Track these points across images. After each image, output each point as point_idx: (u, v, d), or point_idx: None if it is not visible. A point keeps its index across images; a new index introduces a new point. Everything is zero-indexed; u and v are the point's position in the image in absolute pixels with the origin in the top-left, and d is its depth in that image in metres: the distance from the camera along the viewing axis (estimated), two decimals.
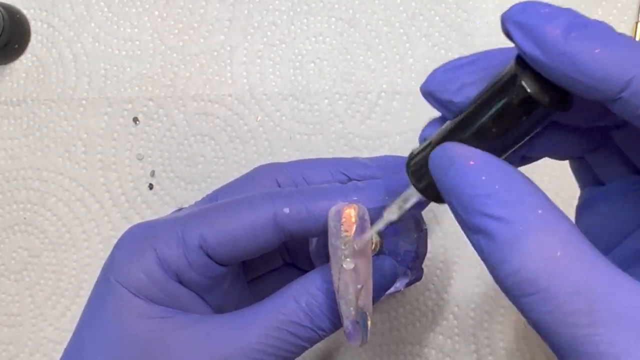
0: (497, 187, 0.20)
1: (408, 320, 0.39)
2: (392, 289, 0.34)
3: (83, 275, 0.41)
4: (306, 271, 0.36)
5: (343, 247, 0.27)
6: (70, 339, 0.30)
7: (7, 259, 0.41)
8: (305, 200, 0.29)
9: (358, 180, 0.31)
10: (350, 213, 0.27)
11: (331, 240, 0.28)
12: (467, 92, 0.23)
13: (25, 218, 0.41)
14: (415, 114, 0.40)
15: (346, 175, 0.33)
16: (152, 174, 0.41)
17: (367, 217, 0.28)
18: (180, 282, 0.29)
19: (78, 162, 0.41)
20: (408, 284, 0.36)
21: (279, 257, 0.36)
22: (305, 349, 0.29)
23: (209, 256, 0.29)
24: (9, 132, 0.42)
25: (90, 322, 0.29)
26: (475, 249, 0.21)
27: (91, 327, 0.29)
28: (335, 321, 0.29)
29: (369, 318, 0.28)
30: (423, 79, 0.43)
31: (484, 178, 0.21)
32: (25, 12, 0.42)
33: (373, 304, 0.29)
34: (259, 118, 0.41)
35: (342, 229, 0.27)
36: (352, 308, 0.28)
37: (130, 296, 0.28)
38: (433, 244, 0.40)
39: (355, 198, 0.28)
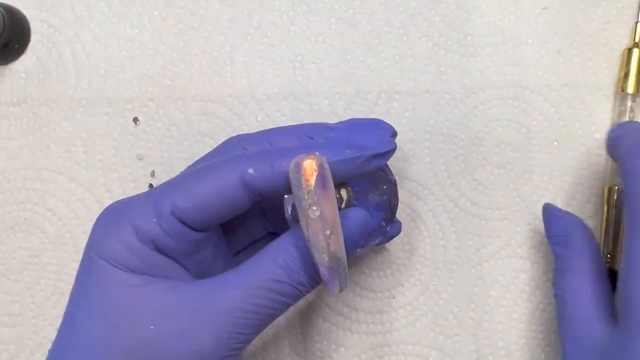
0: None
1: (408, 321, 0.39)
2: (372, 242, 0.35)
3: None
4: None
5: (306, 197, 0.28)
6: (62, 320, 0.31)
7: (7, 259, 0.41)
8: (270, 159, 0.29)
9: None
10: (309, 163, 0.28)
11: (294, 192, 0.29)
12: None
13: (25, 218, 0.41)
14: (415, 114, 0.40)
15: (312, 138, 0.33)
16: (153, 174, 0.41)
17: (325, 165, 0.28)
18: (159, 250, 0.30)
19: (78, 162, 0.41)
20: (388, 238, 0.37)
21: (261, 227, 0.37)
22: (288, 305, 0.30)
23: (183, 222, 0.29)
24: (9, 132, 0.42)
25: (77, 298, 0.30)
26: None
27: (78, 303, 0.30)
28: (314, 275, 0.30)
29: (343, 263, 0.29)
30: (423, 79, 0.43)
31: None
32: (25, 12, 0.42)
33: (352, 255, 0.30)
34: (259, 118, 0.41)
35: (302, 179, 0.28)
36: (324, 255, 0.29)
37: (112, 268, 0.29)
38: (433, 244, 0.40)
39: (317, 153, 0.29)
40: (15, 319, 0.41)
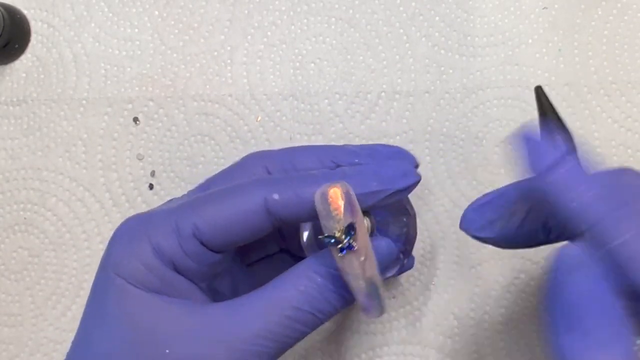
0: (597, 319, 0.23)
1: (408, 320, 0.39)
2: (387, 275, 0.35)
3: (83, 275, 0.41)
4: (300, 258, 0.36)
5: (336, 226, 0.28)
6: (75, 333, 0.30)
7: (7, 259, 0.41)
8: (294, 186, 0.29)
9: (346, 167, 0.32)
10: (335, 192, 0.28)
11: (323, 222, 0.28)
12: (489, 230, 0.29)
13: (25, 218, 0.41)
14: (415, 114, 0.40)
15: (335, 162, 0.33)
16: (153, 174, 0.41)
17: (351, 191, 0.28)
18: (177, 271, 0.29)
19: (78, 162, 0.41)
20: (400, 271, 0.36)
21: (274, 244, 0.37)
22: (306, 333, 0.29)
23: (203, 244, 0.29)
24: (9, 132, 0.42)
25: (93, 315, 0.30)
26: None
27: (95, 320, 0.29)
28: (335, 303, 0.29)
29: (379, 287, 0.29)
30: (423, 79, 0.43)
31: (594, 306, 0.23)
32: (25, 12, 0.42)
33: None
34: (259, 118, 0.41)
35: (330, 208, 0.28)
36: (360, 281, 0.28)
37: (130, 287, 0.29)
38: (433, 244, 0.40)
39: (342, 181, 0.29)
40: (15, 319, 0.41)
